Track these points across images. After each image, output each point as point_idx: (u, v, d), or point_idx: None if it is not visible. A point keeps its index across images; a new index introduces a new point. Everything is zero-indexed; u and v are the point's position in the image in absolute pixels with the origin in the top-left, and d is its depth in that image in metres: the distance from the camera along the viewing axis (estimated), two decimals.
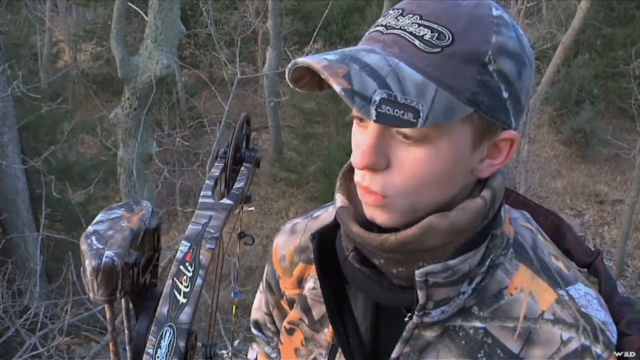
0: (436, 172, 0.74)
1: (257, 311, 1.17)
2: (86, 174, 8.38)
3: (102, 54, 13.98)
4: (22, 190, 7.01)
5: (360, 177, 0.77)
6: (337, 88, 0.65)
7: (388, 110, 0.66)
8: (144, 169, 6.22)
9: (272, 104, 11.74)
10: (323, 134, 12.60)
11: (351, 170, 0.87)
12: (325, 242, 0.87)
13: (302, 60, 0.69)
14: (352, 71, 0.67)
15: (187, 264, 0.84)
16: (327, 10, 7.16)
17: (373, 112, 0.65)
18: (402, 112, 0.66)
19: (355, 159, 0.75)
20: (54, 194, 6.01)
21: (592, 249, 0.90)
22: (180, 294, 0.81)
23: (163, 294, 0.81)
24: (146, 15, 5.89)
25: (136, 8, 6.61)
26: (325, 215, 1.00)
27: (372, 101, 0.65)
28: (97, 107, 10.03)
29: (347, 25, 15.00)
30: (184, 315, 0.80)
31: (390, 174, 0.74)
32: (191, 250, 0.86)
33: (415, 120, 0.66)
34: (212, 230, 0.89)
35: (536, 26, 10.21)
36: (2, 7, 9.38)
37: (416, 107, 0.66)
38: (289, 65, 0.71)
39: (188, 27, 8.19)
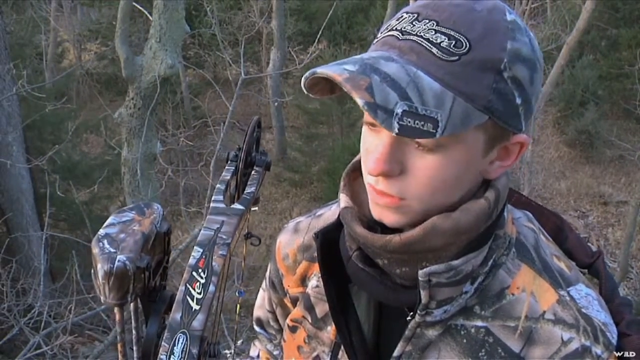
0: (450, 178, 0.74)
1: (260, 309, 1.18)
2: (90, 174, 8.37)
3: (107, 54, 13.98)
4: (27, 190, 7.01)
5: (373, 181, 0.76)
6: (360, 102, 0.65)
7: (409, 122, 0.66)
8: (148, 169, 6.22)
9: (276, 104, 11.73)
10: (327, 134, 12.59)
11: (355, 170, 0.88)
12: (328, 241, 0.87)
13: (322, 71, 0.69)
14: (374, 83, 0.66)
15: (200, 270, 0.84)
16: (331, 11, 7.18)
17: (395, 126, 0.65)
18: (422, 123, 0.66)
19: (368, 165, 0.75)
20: (58, 193, 6.03)
21: (594, 249, 0.91)
22: (193, 301, 0.81)
23: (176, 300, 0.81)
24: (151, 15, 5.90)
25: (141, 8, 6.63)
26: (328, 214, 1.01)
27: (395, 114, 0.65)
28: (101, 106, 10.05)
29: (351, 25, 14.98)
30: (197, 322, 0.80)
31: (406, 179, 0.74)
32: (204, 256, 0.85)
33: (434, 131, 0.66)
34: (224, 236, 0.89)
35: (541, 27, 10.17)
36: (7, 7, 9.40)
37: (435, 117, 0.66)
38: (307, 74, 0.70)
39: (192, 27, 8.20)
